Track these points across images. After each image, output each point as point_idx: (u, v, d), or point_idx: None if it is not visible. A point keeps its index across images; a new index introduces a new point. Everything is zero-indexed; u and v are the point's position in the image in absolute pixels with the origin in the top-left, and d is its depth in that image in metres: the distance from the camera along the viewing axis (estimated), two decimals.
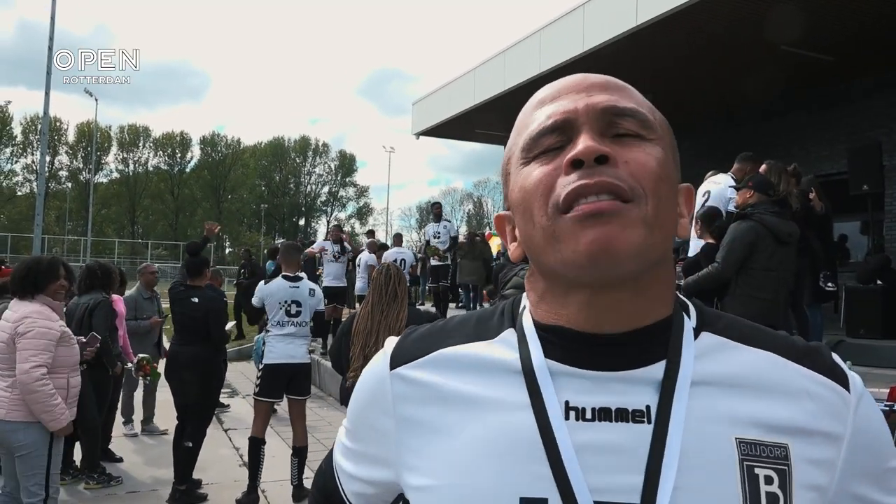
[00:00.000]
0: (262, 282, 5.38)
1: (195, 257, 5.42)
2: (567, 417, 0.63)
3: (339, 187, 77.34)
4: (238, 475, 5.36)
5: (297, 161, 76.98)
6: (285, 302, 5.07)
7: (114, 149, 71.14)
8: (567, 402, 0.64)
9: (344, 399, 4.08)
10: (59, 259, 4.03)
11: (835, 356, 0.70)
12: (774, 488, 0.61)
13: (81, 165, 68.43)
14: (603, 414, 0.63)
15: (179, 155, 74.05)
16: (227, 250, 72.47)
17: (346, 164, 77.57)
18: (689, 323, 0.69)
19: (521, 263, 4.01)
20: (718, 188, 6.07)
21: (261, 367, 5.08)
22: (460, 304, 13.77)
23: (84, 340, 4.54)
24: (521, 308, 0.74)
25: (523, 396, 0.65)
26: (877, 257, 8.29)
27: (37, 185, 22.99)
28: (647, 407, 0.63)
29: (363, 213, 76.45)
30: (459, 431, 0.67)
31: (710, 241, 5.04)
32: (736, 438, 0.62)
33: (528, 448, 0.63)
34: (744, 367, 0.66)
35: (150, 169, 72.86)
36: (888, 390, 4.23)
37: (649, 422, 0.62)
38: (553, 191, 0.63)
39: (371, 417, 0.76)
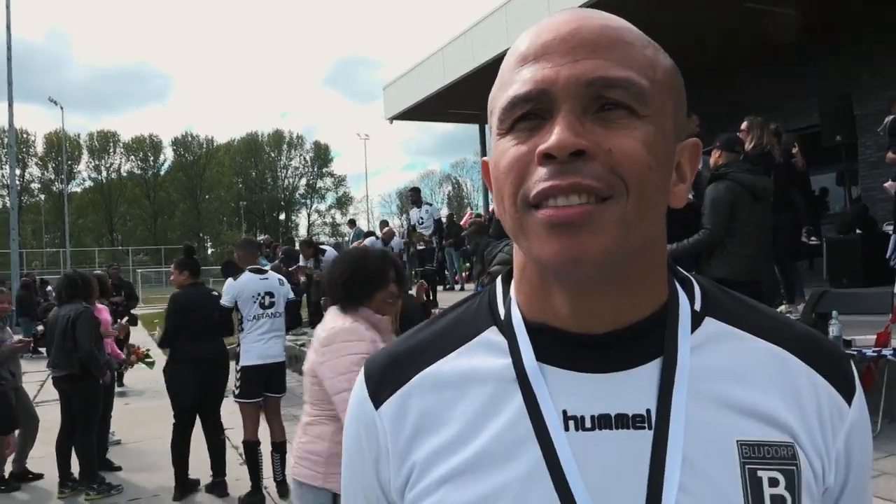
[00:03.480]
0: (230, 279, 5.32)
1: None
2: (567, 428, 0.60)
3: (317, 178, 76.92)
4: (239, 474, 5.34)
5: (273, 155, 76.35)
6: (258, 294, 5.02)
7: (84, 157, 70.27)
8: (565, 412, 0.60)
9: None
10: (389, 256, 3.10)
11: (842, 355, 0.68)
12: (780, 490, 0.59)
13: (53, 176, 67.47)
14: (603, 421, 0.60)
15: (152, 158, 73.21)
16: (210, 250, 71.93)
17: (322, 155, 77.08)
18: (687, 307, 0.65)
19: (504, 239, 4.01)
20: None
21: (238, 368, 5.01)
22: (447, 287, 13.79)
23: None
24: (500, 297, 0.70)
25: (520, 406, 0.62)
26: (855, 207, 8.41)
27: (9, 199, 22.63)
28: (648, 411, 0.60)
29: (343, 203, 76.13)
30: (459, 453, 0.63)
31: None
32: (738, 441, 0.60)
33: (530, 461, 0.60)
34: (748, 361, 0.63)
35: (124, 174, 72.00)
36: (874, 337, 4.30)
37: (650, 427, 0.59)
38: (523, 181, 0.58)
39: (362, 458, 0.71)
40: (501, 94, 0.62)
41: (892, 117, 5.72)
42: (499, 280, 0.72)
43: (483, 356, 0.66)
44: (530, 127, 0.59)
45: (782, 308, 6.43)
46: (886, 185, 5.76)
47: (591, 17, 0.61)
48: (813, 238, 6.32)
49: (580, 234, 0.56)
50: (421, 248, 11.96)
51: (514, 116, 0.60)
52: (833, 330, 4.28)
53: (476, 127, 17.46)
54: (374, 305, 2.41)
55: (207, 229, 74.87)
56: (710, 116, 6.95)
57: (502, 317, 0.68)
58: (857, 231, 7.64)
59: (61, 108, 40.12)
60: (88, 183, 70.71)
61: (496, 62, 6.95)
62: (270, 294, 5.08)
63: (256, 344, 4.96)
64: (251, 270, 5.17)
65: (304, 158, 76.79)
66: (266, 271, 5.33)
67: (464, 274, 14.06)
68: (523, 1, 10.75)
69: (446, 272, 14.24)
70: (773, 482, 0.58)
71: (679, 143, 0.64)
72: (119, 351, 6.18)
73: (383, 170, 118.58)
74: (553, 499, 0.58)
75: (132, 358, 5.94)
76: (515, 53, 0.62)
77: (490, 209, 13.85)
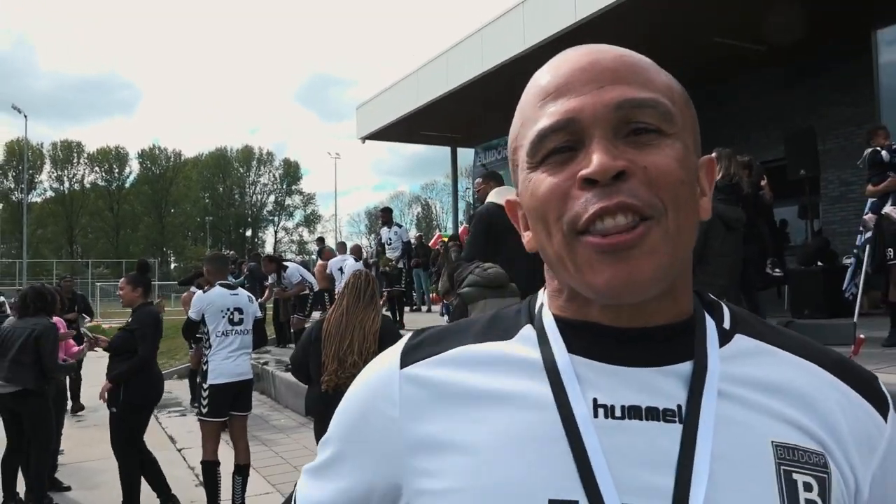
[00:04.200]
0: (199, 292, 5.21)
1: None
2: (595, 415, 0.59)
3: (285, 196, 76.39)
4: (195, 496, 5.17)
5: (241, 171, 75.72)
6: (227, 310, 4.91)
7: (47, 166, 68.87)
8: (595, 400, 0.60)
9: (310, 408, 3.96)
10: None
11: (873, 376, 0.67)
12: (814, 496, 0.58)
13: (13, 185, 65.94)
14: (633, 412, 0.59)
15: (117, 170, 72.07)
16: (173, 265, 70.74)
17: (291, 173, 76.67)
18: (713, 324, 0.66)
19: (475, 261, 3.97)
20: None
21: (206, 387, 4.86)
22: (414, 308, 13.71)
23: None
24: (538, 304, 0.70)
25: (547, 394, 0.61)
26: (816, 240, 8.58)
27: None
28: (679, 406, 0.59)
29: (311, 221, 75.65)
30: (482, 431, 0.61)
31: None
32: (772, 442, 0.59)
33: (555, 447, 0.58)
34: (781, 372, 0.63)
35: (87, 186, 70.67)
36: None
37: (680, 421, 0.59)
38: (567, 206, 0.59)
39: (371, 418, 0.68)
40: (527, 130, 0.62)
41: (870, 150, 5.82)
42: (540, 292, 0.72)
43: (517, 347, 0.66)
44: (562, 160, 0.60)
45: None
46: (866, 217, 5.88)
47: (605, 49, 0.63)
48: (777, 270, 6.45)
49: (632, 258, 0.57)
50: (386, 269, 11.92)
51: (546, 150, 0.60)
52: None
53: (447, 150, 17.52)
54: None
55: (171, 244, 73.66)
56: None
57: (533, 312, 0.69)
58: (819, 263, 7.80)
59: (25, 116, 39.25)
60: (50, 193, 69.33)
61: (470, 86, 7.07)
62: (240, 310, 4.98)
63: (226, 362, 4.83)
64: (222, 285, 5.07)
65: (274, 175, 76.30)
66: (236, 287, 5.26)
67: (433, 295, 14.02)
68: (498, 27, 10.86)
69: (413, 293, 14.17)
70: (808, 487, 0.58)
71: (698, 158, 0.66)
72: (74, 348, 6.02)
73: (353, 189, 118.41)
74: (577, 486, 0.57)
75: (91, 339, 5.68)
76: (536, 89, 0.63)
77: (461, 230, 13.88)
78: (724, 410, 0.59)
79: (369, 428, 0.67)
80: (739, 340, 0.65)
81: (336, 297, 10.73)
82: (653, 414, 0.59)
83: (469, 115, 13.42)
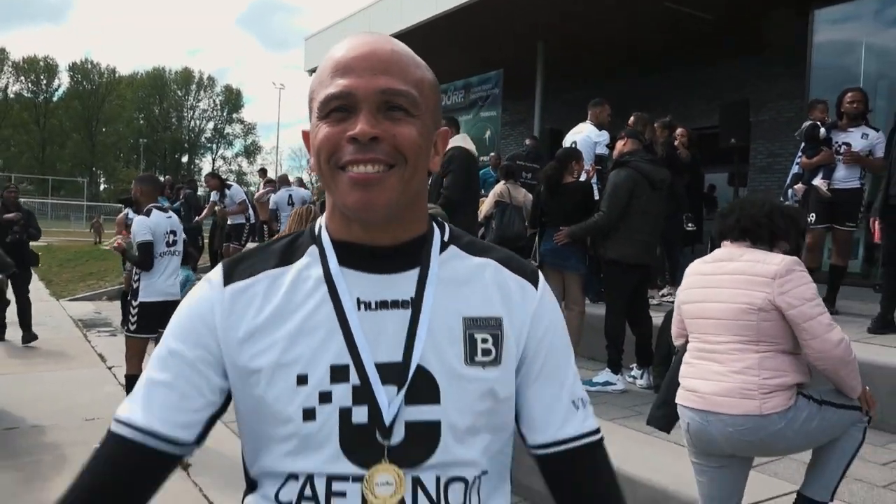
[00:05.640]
0: (142, 216, 5.20)
1: None
2: (359, 309, 0.90)
3: (226, 124, 74.27)
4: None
5: (180, 94, 72.94)
6: (166, 232, 5.01)
7: None
8: (358, 298, 0.90)
9: None
10: None
11: (531, 263, 1.00)
12: (489, 346, 0.91)
13: None
14: (382, 305, 0.90)
15: (45, 82, 68.28)
16: (102, 186, 68.22)
17: (233, 100, 74.37)
18: (439, 237, 0.97)
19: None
20: (582, 136, 6.84)
21: (136, 304, 4.94)
22: None
23: None
24: (317, 228, 0.98)
25: (326, 296, 0.90)
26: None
27: None
28: (411, 298, 0.91)
29: (251, 152, 73.87)
30: (283, 326, 0.89)
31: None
32: (463, 317, 0.92)
33: (333, 332, 0.88)
34: (472, 270, 0.96)
35: (11, 96, 66.83)
36: None
37: (410, 308, 0.90)
38: (336, 152, 0.86)
39: (205, 319, 0.93)
40: (321, 91, 0.88)
41: (809, 123, 5.94)
42: (319, 218, 1.00)
43: (305, 264, 0.94)
44: (339, 118, 0.86)
45: (665, 290, 6.92)
46: (796, 187, 6.14)
47: (383, 42, 0.90)
48: (690, 224, 6.85)
49: (373, 191, 0.85)
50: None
51: (329, 108, 0.87)
52: None
53: None
54: (782, 247, 2.57)
55: (101, 164, 70.83)
56: (619, 109, 7.32)
57: (316, 235, 0.97)
58: None
59: None
60: None
61: (425, 26, 7.10)
62: (174, 232, 5.05)
63: (158, 280, 4.92)
64: (157, 209, 5.08)
65: (214, 101, 74.02)
66: (168, 209, 5.28)
67: None
68: None
69: None
70: (484, 340, 0.91)
71: (436, 130, 0.95)
72: None
73: (296, 122, 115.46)
74: (344, 351, 0.87)
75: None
76: (331, 62, 0.89)
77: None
78: (438, 299, 0.91)
79: (202, 323, 0.93)
80: (450, 250, 0.97)
81: (276, 230, 10.60)
82: (395, 304, 0.90)
83: (421, 55, 13.33)
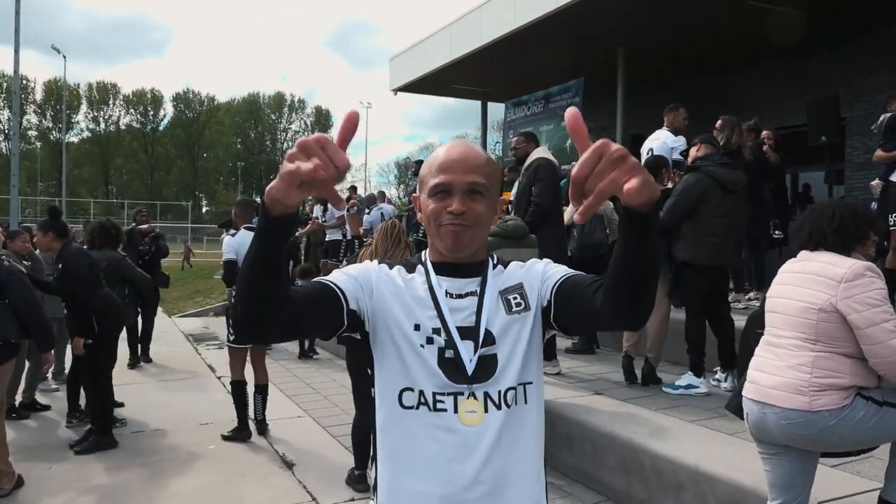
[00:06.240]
0: (228, 236, 5.63)
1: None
2: (446, 296, 1.43)
3: None
4: (233, 414, 5.74)
5: (273, 117, 76.11)
6: None
7: (83, 107, 69.87)
8: (446, 290, 1.44)
9: (342, 338, 4.46)
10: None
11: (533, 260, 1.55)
12: (519, 300, 1.43)
13: (51, 124, 67.11)
14: (460, 294, 1.44)
15: (152, 113, 72.84)
16: (204, 209, 71.91)
17: (322, 120, 76.87)
18: (491, 262, 1.49)
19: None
20: (658, 143, 6.82)
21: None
22: None
23: None
24: (423, 256, 1.51)
25: (427, 289, 1.44)
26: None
27: (10, 145, 22.66)
28: (475, 290, 1.44)
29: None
30: (399, 295, 1.42)
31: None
32: (498, 292, 1.45)
33: (426, 304, 1.42)
34: (506, 273, 1.49)
35: (122, 127, 71.65)
36: None
37: (475, 296, 1.44)
38: (438, 217, 1.38)
39: (369, 274, 1.46)
40: (430, 178, 1.40)
41: (888, 115, 5.71)
42: (423, 252, 1.54)
43: (417, 273, 1.48)
44: (441, 198, 1.38)
45: (751, 295, 6.82)
46: (873, 183, 5.95)
47: (471, 149, 1.43)
48: (777, 231, 6.65)
49: (460, 239, 1.38)
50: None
51: (436, 191, 1.38)
52: None
53: (478, 103, 17.65)
54: (862, 251, 2.65)
55: (203, 188, 74.79)
56: (701, 110, 7.28)
57: (423, 260, 1.50)
58: None
59: (64, 56, 40.04)
60: (86, 134, 70.48)
61: (502, 41, 7.44)
62: None
63: None
64: (247, 229, 5.50)
65: (305, 122, 76.68)
66: None
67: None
68: None
69: None
70: (515, 298, 1.44)
71: (499, 198, 1.47)
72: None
73: (383, 139, 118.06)
74: (436, 319, 1.40)
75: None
76: (435, 160, 1.41)
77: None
78: (491, 291, 1.44)
79: (365, 275, 1.45)
80: (499, 268, 1.50)
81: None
82: (469, 294, 1.43)
83: (500, 70, 13.59)
